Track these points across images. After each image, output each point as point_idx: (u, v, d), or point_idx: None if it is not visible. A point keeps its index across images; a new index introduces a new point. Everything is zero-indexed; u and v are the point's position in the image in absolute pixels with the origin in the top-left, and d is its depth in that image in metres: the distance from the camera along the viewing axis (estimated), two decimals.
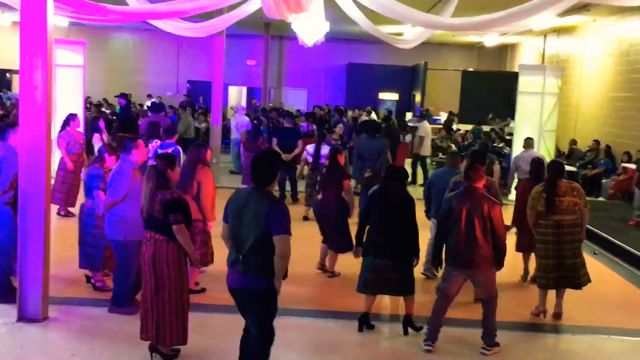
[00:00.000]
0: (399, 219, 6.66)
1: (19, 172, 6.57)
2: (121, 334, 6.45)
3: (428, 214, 8.57)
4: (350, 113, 22.64)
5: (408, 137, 17.86)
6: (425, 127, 16.72)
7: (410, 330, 6.83)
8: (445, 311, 6.46)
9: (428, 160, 17.38)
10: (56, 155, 11.44)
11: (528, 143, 12.37)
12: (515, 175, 12.10)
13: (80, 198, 8.85)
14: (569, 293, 7.78)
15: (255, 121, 15.84)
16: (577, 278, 7.45)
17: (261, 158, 5.06)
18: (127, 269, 6.79)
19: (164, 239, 5.60)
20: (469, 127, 22.60)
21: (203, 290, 7.70)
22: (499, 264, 6.39)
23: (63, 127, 11.38)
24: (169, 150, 9.50)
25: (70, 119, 11.39)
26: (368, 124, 13.06)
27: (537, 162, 8.68)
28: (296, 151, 13.12)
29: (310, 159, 12.31)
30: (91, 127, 12.95)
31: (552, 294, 7.56)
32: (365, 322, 6.86)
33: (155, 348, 5.72)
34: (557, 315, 7.55)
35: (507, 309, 7.50)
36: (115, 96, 21.70)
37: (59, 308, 6.93)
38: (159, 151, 9.68)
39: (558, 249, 7.35)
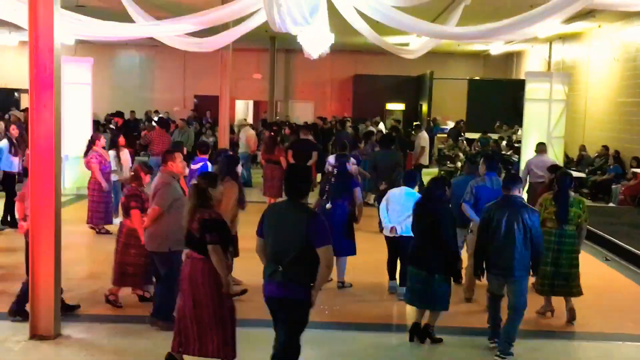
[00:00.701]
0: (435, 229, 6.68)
1: (29, 190, 6.60)
2: (132, 350, 6.46)
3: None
4: (361, 127, 22.68)
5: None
6: (425, 137, 16.83)
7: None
8: (499, 310, 6.67)
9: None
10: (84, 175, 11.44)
11: (541, 148, 12.30)
12: (528, 178, 12.01)
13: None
14: (582, 300, 7.78)
15: (272, 133, 15.91)
16: (573, 287, 7.56)
17: (296, 172, 5.33)
18: (173, 281, 6.83)
19: (200, 257, 5.63)
20: (476, 135, 22.59)
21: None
22: (535, 271, 6.58)
23: (89, 147, 11.40)
24: (199, 165, 9.66)
25: (96, 138, 11.45)
26: (383, 137, 13.16)
27: (559, 170, 8.43)
28: (311, 162, 13.24)
29: (330, 169, 12.41)
30: (111, 143, 12.94)
31: (561, 299, 7.60)
32: (416, 332, 6.84)
33: None
34: (571, 319, 7.62)
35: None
36: (110, 115, 21.64)
37: (72, 325, 6.94)
38: (191, 166, 9.84)
39: (557, 257, 7.45)
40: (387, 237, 8.46)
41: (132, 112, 25.48)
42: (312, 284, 5.04)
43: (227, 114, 16.61)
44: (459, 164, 17.54)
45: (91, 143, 11.38)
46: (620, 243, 11.10)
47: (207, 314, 5.62)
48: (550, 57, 23.77)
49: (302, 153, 13.42)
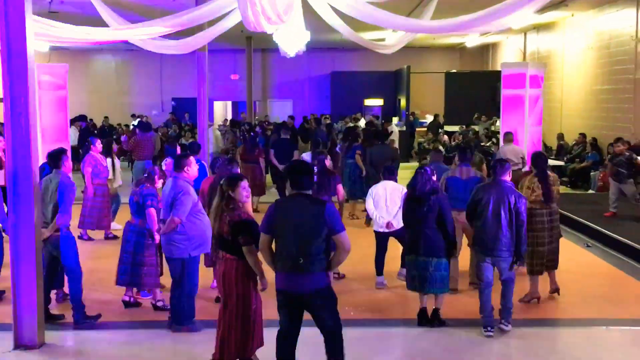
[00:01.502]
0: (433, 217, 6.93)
1: (9, 199, 6.54)
2: (119, 358, 6.42)
3: None
4: (340, 123, 22.75)
5: None
6: (395, 131, 16.91)
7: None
8: (490, 299, 6.89)
9: None
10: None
11: (509, 138, 12.89)
12: None
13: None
14: (565, 286, 7.89)
15: (252, 133, 15.91)
16: (557, 260, 7.97)
17: (299, 167, 5.53)
18: (192, 285, 6.88)
19: (233, 258, 5.67)
20: (456, 128, 22.69)
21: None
22: (519, 256, 6.82)
23: (86, 151, 11.29)
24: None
25: (93, 142, 11.27)
26: (378, 132, 13.38)
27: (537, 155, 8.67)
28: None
29: None
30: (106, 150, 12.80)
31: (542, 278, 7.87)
32: (424, 317, 7.08)
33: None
34: (555, 290, 7.99)
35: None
36: (74, 118, 21.27)
37: (56, 334, 6.89)
38: None
39: (550, 235, 7.83)
40: (377, 232, 8.52)
41: (106, 117, 25.30)
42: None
43: (205, 115, 16.54)
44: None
45: (87, 148, 11.28)
46: (601, 229, 11.20)
47: (236, 313, 5.68)
48: (525, 47, 23.93)
49: (284, 152, 13.53)
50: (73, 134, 18.97)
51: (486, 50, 28.75)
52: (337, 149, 14.28)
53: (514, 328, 6.99)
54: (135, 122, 22.87)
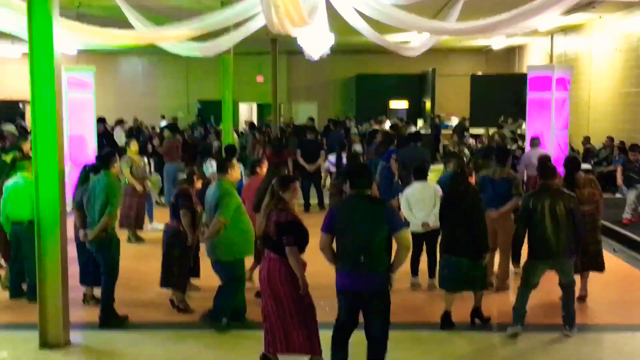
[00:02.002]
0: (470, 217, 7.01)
1: (36, 200, 6.62)
2: (143, 357, 6.48)
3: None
4: (365, 125, 22.80)
5: None
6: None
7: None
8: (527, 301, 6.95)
9: None
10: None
11: (534, 142, 12.86)
12: (525, 172, 12.45)
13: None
14: (592, 292, 7.81)
15: (279, 135, 16.03)
16: (601, 262, 7.94)
17: (358, 168, 5.90)
18: (236, 287, 6.99)
19: (277, 257, 5.73)
20: (481, 130, 22.52)
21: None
22: (578, 250, 6.91)
23: (123, 151, 11.49)
24: None
25: (130, 143, 11.49)
26: (412, 134, 13.51)
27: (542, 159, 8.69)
28: (319, 162, 13.41)
29: (332, 169, 12.58)
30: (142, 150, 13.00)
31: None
32: (447, 320, 7.13)
33: None
34: (583, 298, 7.94)
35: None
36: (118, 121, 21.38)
37: (81, 333, 6.97)
38: None
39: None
40: (412, 233, 8.46)
41: (136, 119, 25.50)
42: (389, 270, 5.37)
43: (230, 117, 16.63)
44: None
45: (124, 148, 11.44)
46: (629, 234, 11.07)
47: (288, 311, 5.74)
48: (552, 49, 23.70)
49: (311, 153, 13.64)
50: (119, 134, 19.24)
51: (512, 52, 28.52)
52: (357, 149, 14.44)
53: (538, 333, 6.96)
54: (163, 124, 22.99)
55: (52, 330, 6.60)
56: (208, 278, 7.73)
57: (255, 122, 28.61)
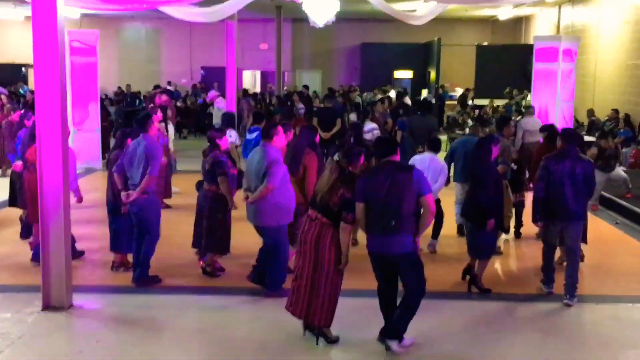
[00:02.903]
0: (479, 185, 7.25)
1: (38, 163, 6.62)
2: (145, 320, 6.53)
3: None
4: (369, 95, 22.66)
5: None
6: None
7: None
8: (553, 259, 7.30)
9: None
10: None
11: (530, 111, 13.20)
12: (522, 139, 12.51)
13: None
14: (592, 263, 7.83)
15: (288, 102, 15.96)
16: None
17: (384, 138, 6.26)
18: (282, 252, 7.02)
19: (329, 223, 5.73)
20: (485, 101, 22.45)
21: (223, 269, 7.90)
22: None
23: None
24: (255, 135, 10.03)
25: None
26: (421, 103, 13.53)
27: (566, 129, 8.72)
28: (335, 129, 13.40)
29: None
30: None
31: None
32: (468, 272, 7.42)
33: (321, 332, 5.89)
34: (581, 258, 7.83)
35: (529, 280, 7.56)
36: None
37: (84, 295, 7.01)
38: (247, 136, 10.48)
39: None
40: None
41: (128, 85, 25.35)
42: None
43: (234, 85, 16.57)
44: (467, 131, 17.56)
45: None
46: (631, 206, 11.07)
47: (325, 279, 5.76)
48: (559, 20, 23.50)
49: (327, 120, 13.67)
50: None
51: (519, 23, 28.28)
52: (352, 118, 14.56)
53: (538, 303, 7.00)
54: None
55: (54, 292, 6.64)
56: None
57: (259, 90, 28.54)
